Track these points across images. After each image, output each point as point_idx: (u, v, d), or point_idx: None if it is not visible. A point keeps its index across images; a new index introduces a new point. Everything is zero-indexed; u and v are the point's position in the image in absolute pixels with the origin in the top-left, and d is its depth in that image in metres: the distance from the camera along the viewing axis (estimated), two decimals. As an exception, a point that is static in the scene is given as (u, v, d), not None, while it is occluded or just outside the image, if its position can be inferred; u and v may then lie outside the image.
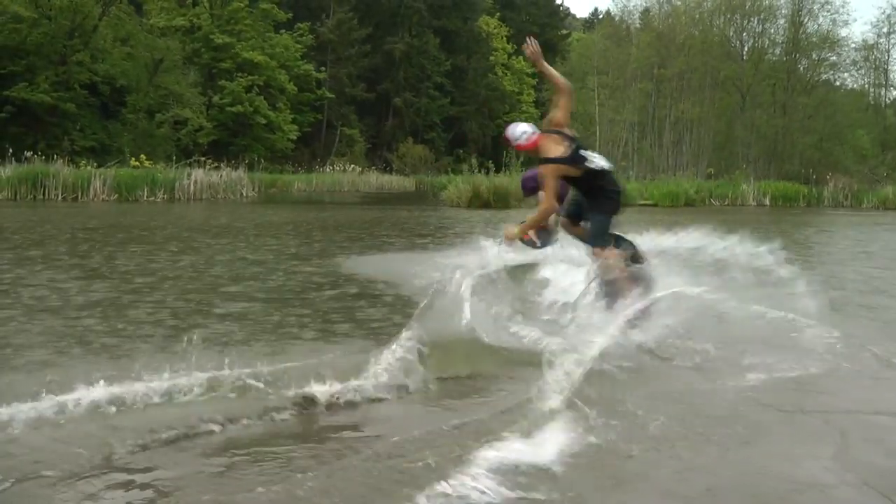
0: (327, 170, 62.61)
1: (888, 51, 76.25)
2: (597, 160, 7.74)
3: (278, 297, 10.40)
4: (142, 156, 42.31)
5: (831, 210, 49.69)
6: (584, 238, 8.13)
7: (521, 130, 8.09)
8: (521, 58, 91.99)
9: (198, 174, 39.85)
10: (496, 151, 66.50)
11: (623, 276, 7.53)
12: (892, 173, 63.97)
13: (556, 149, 7.68)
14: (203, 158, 44.75)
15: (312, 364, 6.38)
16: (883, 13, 78.06)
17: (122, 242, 17.15)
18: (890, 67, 77.46)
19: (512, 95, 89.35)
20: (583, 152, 7.71)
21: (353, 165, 64.10)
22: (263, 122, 59.97)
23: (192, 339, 6.64)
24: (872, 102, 79.35)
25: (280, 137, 62.15)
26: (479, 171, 42.37)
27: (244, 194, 42.55)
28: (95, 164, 38.44)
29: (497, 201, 36.16)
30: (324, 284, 11.69)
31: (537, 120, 67.24)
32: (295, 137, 64.03)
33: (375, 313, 9.36)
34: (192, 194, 38.81)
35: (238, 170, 44.10)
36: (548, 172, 7.60)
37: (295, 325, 8.54)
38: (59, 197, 34.35)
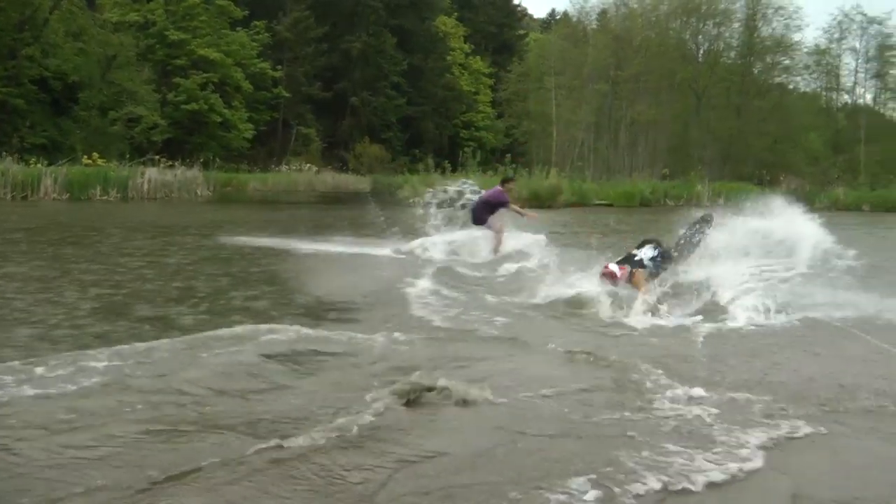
0: (283, 169, 62.11)
1: (839, 55, 77.23)
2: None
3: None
4: (94, 154, 41.72)
5: None
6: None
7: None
8: (478, 58, 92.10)
9: (152, 173, 39.37)
10: (453, 151, 66.42)
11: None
12: (843, 175, 64.93)
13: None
14: (157, 157, 44.19)
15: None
16: (834, 19, 78.89)
17: (53, 242, 16.99)
18: (841, 72, 78.37)
19: (469, 95, 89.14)
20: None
21: (309, 165, 63.62)
22: (219, 120, 59.30)
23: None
24: (825, 106, 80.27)
25: (235, 136, 61.50)
26: (436, 171, 42.31)
27: (199, 193, 42.04)
28: (46, 161, 37.68)
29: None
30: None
31: (493, 119, 67.13)
32: (251, 136, 63.36)
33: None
34: (146, 193, 38.30)
35: (193, 168, 43.64)
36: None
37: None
38: (9, 196, 33.67)
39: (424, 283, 11.93)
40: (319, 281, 12.22)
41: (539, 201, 40.46)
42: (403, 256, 16.22)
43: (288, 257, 15.66)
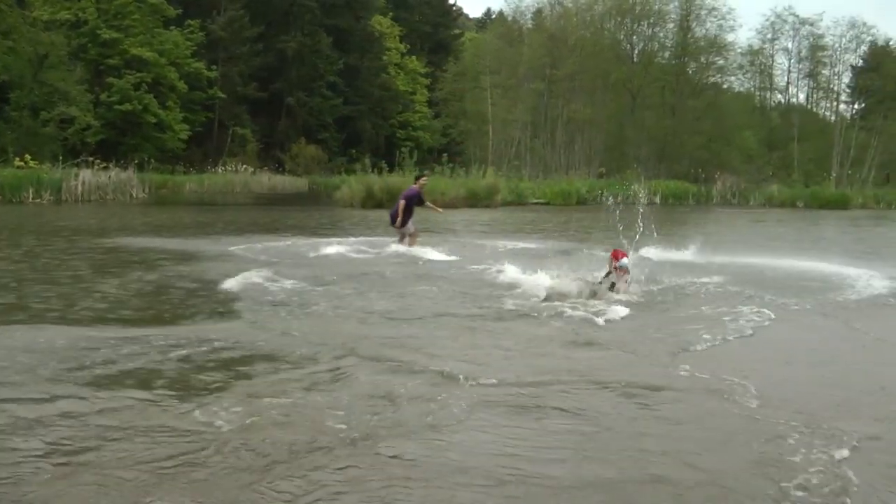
0: (219, 170, 61.96)
1: (772, 55, 78.85)
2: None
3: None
4: (26, 155, 41.41)
5: (720, 208, 51.12)
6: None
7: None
8: (414, 57, 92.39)
9: (85, 174, 39.15)
10: (389, 151, 66.58)
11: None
12: (777, 172, 66.40)
13: None
14: (91, 158, 43.79)
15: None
16: (767, 20, 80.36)
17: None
18: (774, 72, 79.96)
19: (405, 95, 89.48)
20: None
21: (245, 166, 63.48)
22: (153, 120, 58.96)
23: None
24: (758, 105, 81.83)
25: (170, 137, 61.18)
26: (373, 172, 42.46)
27: (134, 195, 41.87)
28: (-23, 164, 37.38)
29: (390, 201, 35.96)
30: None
31: (430, 119, 67.16)
32: (186, 137, 63.06)
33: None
34: (80, 195, 38.11)
35: (127, 170, 43.44)
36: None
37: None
38: (-63, 198, 33.43)
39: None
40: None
41: (476, 200, 40.89)
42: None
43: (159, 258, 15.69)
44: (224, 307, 10.07)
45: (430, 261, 16.12)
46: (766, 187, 58.65)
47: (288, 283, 11.92)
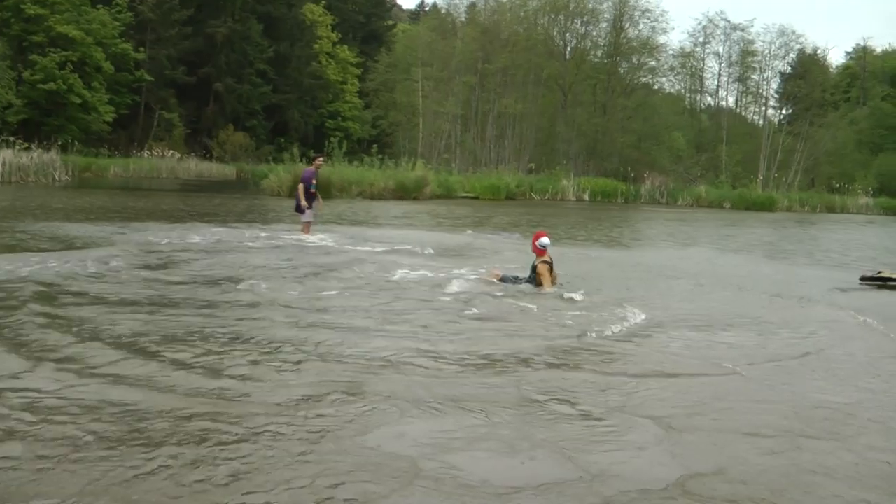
0: (145, 155, 61.59)
1: (703, 59, 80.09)
2: None
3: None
4: (-55, 134, 40.87)
5: (648, 206, 52.07)
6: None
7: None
8: (345, 47, 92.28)
9: (6, 155, 38.86)
10: (318, 140, 66.77)
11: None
12: (705, 173, 67.70)
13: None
14: (13, 138, 43.37)
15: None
16: (699, 24, 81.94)
17: None
18: (705, 75, 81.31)
19: (336, 84, 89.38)
20: None
21: (171, 151, 63.18)
22: (78, 101, 58.17)
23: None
24: (689, 107, 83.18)
25: (95, 119, 60.45)
26: (301, 161, 42.61)
27: (57, 178, 41.53)
28: None
29: (318, 190, 36.25)
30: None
31: (360, 109, 67.10)
32: (111, 119, 62.39)
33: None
34: (1, 176, 37.76)
35: (50, 151, 43.09)
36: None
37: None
38: None
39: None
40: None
41: (405, 192, 41.40)
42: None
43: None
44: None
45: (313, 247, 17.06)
46: (694, 187, 59.86)
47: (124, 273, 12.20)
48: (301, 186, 19.19)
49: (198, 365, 6.75)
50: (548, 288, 11.86)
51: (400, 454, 5.04)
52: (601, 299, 11.39)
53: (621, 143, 68.16)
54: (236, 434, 5.21)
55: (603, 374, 7.25)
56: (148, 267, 12.80)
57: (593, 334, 8.92)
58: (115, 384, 6.12)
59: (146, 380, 6.26)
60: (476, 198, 46.75)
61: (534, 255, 12.29)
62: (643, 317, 10.14)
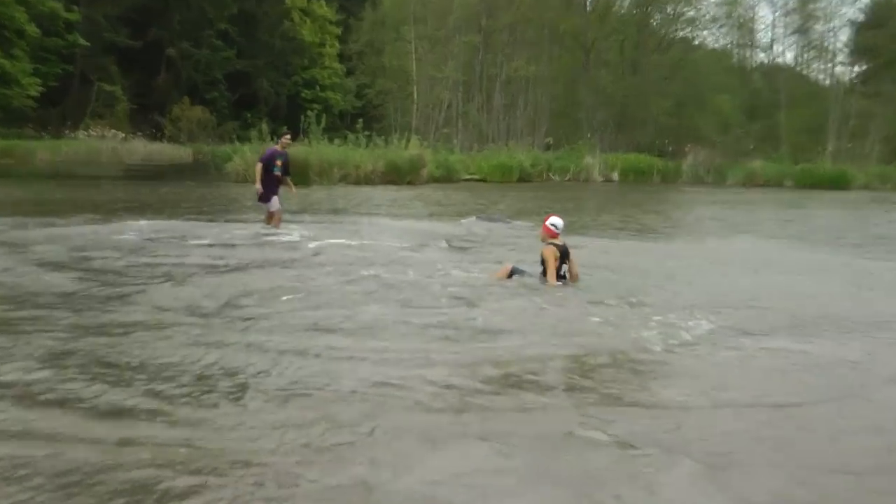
0: (80, 136, 61.36)
1: (753, 7, 79.48)
2: None
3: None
4: None
5: (690, 187, 51.78)
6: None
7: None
8: (322, 2, 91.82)
9: None
10: (293, 115, 66.48)
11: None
12: (760, 145, 66.76)
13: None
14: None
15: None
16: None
17: None
18: (756, 26, 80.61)
19: (312, 47, 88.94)
20: None
21: (113, 131, 63.06)
22: (-7, 73, 57.80)
23: None
24: (737, 64, 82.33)
25: (17, 93, 59.75)
26: (272, 140, 42.36)
27: (-30, 163, 41.44)
28: None
29: (295, 175, 35.83)
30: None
31: (342, 76, 66.93)
32: (37, 94, 61.92)
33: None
34: None
35: (-41, 134, 42.88)
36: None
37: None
38: None
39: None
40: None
41: (397, 176, 41.37)
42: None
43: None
44: None
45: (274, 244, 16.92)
46: (747, 163, 59.57)
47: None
48: (259, 167, 19.30)
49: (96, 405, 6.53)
50: (552, 281, 12.03)
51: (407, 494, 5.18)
52: (636, 301, 11.36)
53: (656, 111, 67.92)
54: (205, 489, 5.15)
55: (642, 398, 7.24)
56: (45, 267, 12.70)
57: (629, 346, 8.88)
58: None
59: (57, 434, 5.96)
60: (483, 180, 46.79)
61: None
62: (686, 324, 10.01)
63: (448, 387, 7.30)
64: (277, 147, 19.76)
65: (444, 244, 17.54)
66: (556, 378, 7.81)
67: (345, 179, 40.01)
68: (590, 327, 9.77)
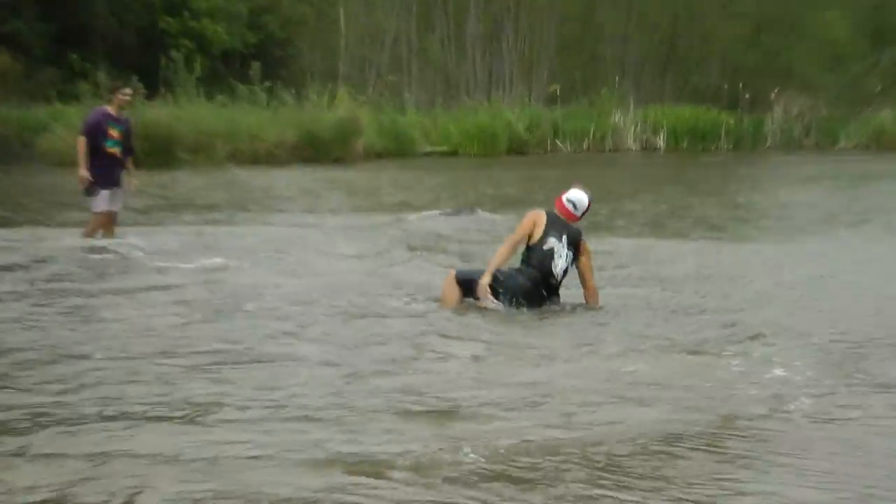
0: None
1: None
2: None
3: None
4: None
5: (779, 154, 52.11)
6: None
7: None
8: None
9: None
10: (148, 59, 66.53)
11: None
12: (891, 87, 66.79)
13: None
14: None
15: None
16: None
17: None
18: None
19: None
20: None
21: None
22: None
23: None
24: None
25: None
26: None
27: None
28: None
29: (151, 154, 35.18)
30: None
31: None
32: None
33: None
34: None
35: None
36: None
37: None
38: None
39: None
40: None
41: (318, 151, 41.80)
42: None
43: None
44: None
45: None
46: (871, 115, 60.70)
47: None
48: (81, 142, 18.00)
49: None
50: (592, 298, 12.85)
51: None
52: (719, 334, 11.55)
53: (724, 39, 68.54)
54: None
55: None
56: None
57: (718, 421, 8.36)
58: None
59: None
60: (453, 153, 47.29)
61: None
62: (804, 375, 9.67)
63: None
64: (109, 109, 18.30)
65: (378, 255, 17.62)
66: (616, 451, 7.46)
67: (235, 158, 39.85)
68: (651, 375, 9.63)
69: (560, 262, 12.65)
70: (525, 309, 12.49)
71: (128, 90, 18.99)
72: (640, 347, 10.92)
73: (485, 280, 12.52)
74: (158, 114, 37.27)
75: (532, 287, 12.61)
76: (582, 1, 69.52)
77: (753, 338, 11.33)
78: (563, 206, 12.71)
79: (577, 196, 12.71)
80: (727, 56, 67.54)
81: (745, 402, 8.78)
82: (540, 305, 12.71)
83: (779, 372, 9.75)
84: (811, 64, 68.33)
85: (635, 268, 16.13)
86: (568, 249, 12.59)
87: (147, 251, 17.36)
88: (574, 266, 12.85)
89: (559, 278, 12.82)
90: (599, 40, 67.51)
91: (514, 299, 12.51)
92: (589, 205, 13.00)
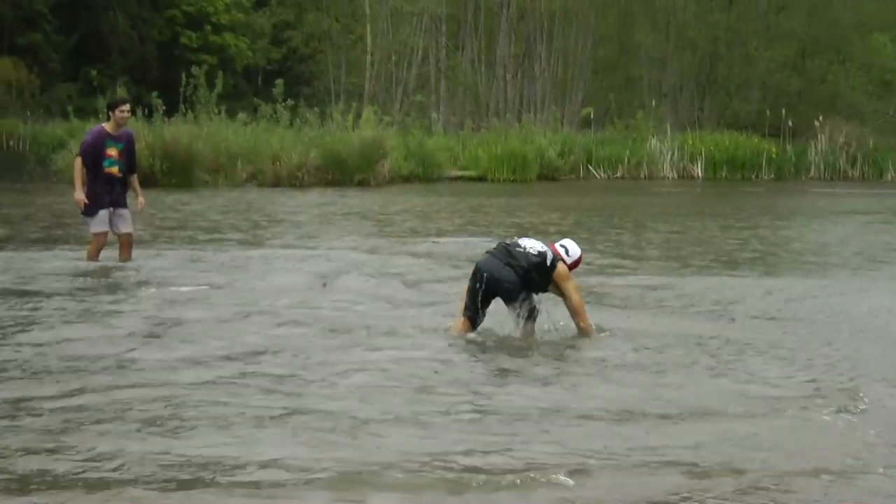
0: None
1: None
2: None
3: None
4: None
5: (822, 186, 51.68)
6: None
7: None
8: None
9: None
10: (168, 74, 66.52)
11: None
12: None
13: None
14: None
15: None
16: None
17: None
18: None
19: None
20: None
21: None
22: None
23: None
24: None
25: None
26: (144, 115, 42.41)
27: None
28: None
29: (167, 173, 37.03)
30: None
31: (249, 12, 67.47)
32: None
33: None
34: None
35: None
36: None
37: None
38: None
39: None
40: None
41: (342, 174, 41.41)
42: None
43: None
44: None
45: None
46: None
47: None
48: (77, 164, 18.15)
49: None
50: (582, 319, 12.39)
51: None
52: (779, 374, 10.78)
53: (766, 62, 68.08)
54: None
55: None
56: None
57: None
58: None
59: None
60: (482, 178, 47.01)
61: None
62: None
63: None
64: (107, 127, 18.21)
65: (397, 283, 16.88)
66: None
67: (256, 180, 40.34)
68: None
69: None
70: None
71: (125, 106, 18.64)
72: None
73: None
74: (178, 131, 36.89)
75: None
76: (618, 21, 69.09)
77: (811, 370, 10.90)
78: (556, 249, 12.32)
79: (570, 244, 12.61)
80: (769, 80, 67.18)
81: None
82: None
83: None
84: (858, 90, 67.93)
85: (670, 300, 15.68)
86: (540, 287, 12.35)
87: (150, 274, 17.24)
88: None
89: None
90: (635, 62, 67.09)
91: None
92: (580, 258, 12.78)
